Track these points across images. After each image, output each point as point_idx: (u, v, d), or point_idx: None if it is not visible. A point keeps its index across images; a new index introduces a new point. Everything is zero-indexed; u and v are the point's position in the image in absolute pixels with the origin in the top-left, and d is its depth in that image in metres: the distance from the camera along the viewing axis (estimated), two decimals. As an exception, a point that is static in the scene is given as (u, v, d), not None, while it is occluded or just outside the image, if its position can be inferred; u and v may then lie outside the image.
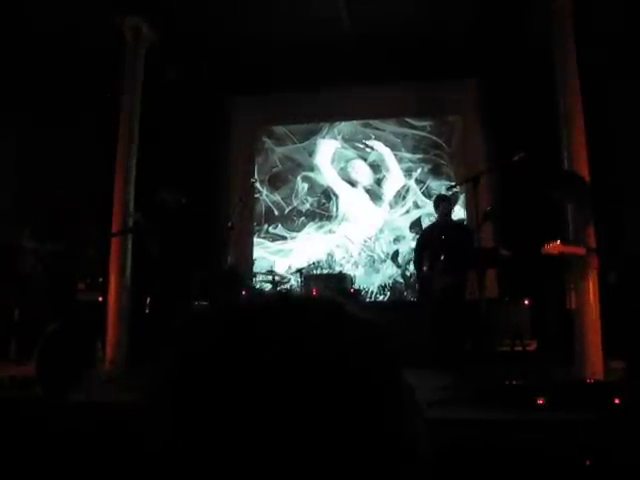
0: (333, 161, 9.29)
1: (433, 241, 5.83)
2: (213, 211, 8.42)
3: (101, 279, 6.92)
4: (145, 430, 0.49)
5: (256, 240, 9.28)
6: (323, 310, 0.52)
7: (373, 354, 0.50)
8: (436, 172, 8.93)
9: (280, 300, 0.54)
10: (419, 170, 8.99)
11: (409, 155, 9.06)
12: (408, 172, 9.02)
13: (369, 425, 0.46)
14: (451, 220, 6.22)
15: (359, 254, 8.94)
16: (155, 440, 0.48)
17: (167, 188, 6.21)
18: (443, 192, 8.46)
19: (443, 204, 6.05)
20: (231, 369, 0.46)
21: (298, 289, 7.63)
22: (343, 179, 9.20)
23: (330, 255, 9.00)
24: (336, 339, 0.49)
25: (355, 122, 9.32)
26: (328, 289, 7.27)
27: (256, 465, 0.43)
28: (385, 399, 0.48)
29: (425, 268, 5.84)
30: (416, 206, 8.92)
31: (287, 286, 7.95)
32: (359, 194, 9.12)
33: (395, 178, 9.04)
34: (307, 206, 9.24)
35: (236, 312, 0.53)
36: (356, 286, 8.37)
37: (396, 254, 8.81)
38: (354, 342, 0.49)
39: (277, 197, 9.36)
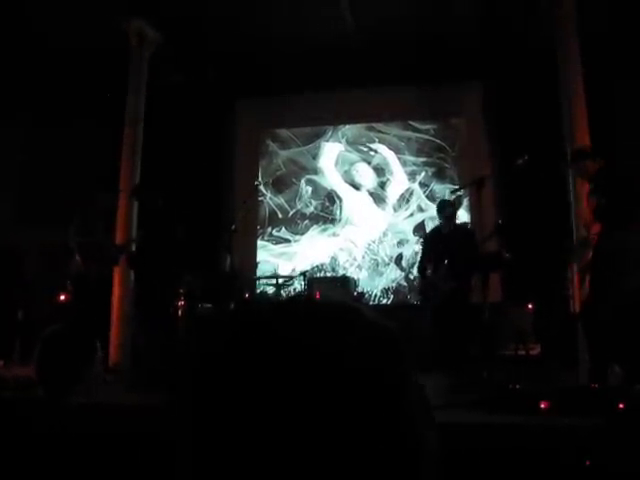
0: (337, 164, 9.29)
1: (437, 247, 5.80)
2: (216, 213, 8.44)
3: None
4: (164, 430, 0.51)
5: (259, 243, 9.29)
6: (339, 312, 0.53)
7: (386, 356, 0.51)
8: (440, 175, 8.93)
9: (296, 303, 0.55)
10: (423, 173, 8.98)
11: (413, 158, 9.06)
12: (412, 175, 9.02)
13: (378, 424, 0.46)
14: (455, 225, 6.18)
15: (363, 257, 8.94)
16: (174, 440, 0.49)
17: (144, 189, 6.24)
18: (447, 195, 8.51)
19: (446, 209, 6.01)
20: (248, 370, 0.47)
21: (302, 292, 7.63)
22: (347, 182, 9.20)
23: (334, 258, 9.00)
24: (350, 341, 0.49)
25: (359, 125, 9.33)
26: (331, 292, 7.26)
27: (267, 461, 0.44)
28: (394, 400, 0.48)
29: (429, 272, 5.82)
30: (420, 209, 8.91)
31: (291, 289, 7.95)
32: (363, 197, 9.12)
33: (399, 181, 9.04)
34: (311, 209, 9.25)
35: (252, 314, 0.54)
36: (360, 289, 8.37)
37: (400, 257, 8.80)
38: (367, 344, 0.50)
39: (281, 200, 9.37)
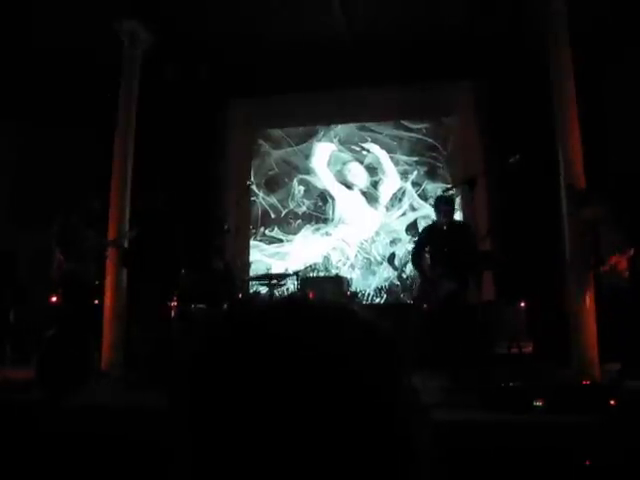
0: (329, 164, 9.29)
1: (434, 242, 5.72)
2: (209, 214, 8.42)
3: (97, 282, 6.91)
4: (161, 431, 0.51)
5: (252, 243, 9.27)
6: (334, 313, 0.53)
7: (380, 356, 0.51)
8: (432, 174, 8.94)
9: (290, 303, 0.55)
10: (415, 173, 9.00)
11: (405, 157, 9.07)
12: (404, 174, 9.03)
13: (371, 423, 0.46)
14: (453, 221, 6.03)
15: (355, 257, 8.95)
16: (171, 441, 0.49)
17: (149, 191, 6.23)
18: (440, 194, 8.50)
19: (445, 206, 5.87)
20: (244, 371, 0.47)
21: (296, 292, 7.61)
22: (339, 182, 9.21)
23: (326, 258, 9.00)
24: (345, 342, 0.50)
25: (351, 125, 9.33)
26: (325, 292, 7.26)
27: (264, 461, 0.44)
28: (388, 399, 0.48)
29: (427, 271, 5.73)
30: (412, 208, 8.93)
31: (284, 289, 7.94)
32: (355, 197, 9.13)
33: (391, 180, 9.05)
34: (303, 209, 9.24)
35: (247, 315, 0.54)
36: (353, 289, 8.37)
37: (392, 256, 8.81)
38: (361, 344, 0.50)
39: (273, 200, 9.36)
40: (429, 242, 5.80)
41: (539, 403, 3.47)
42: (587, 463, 2.47)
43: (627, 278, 5.13)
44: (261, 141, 9.57)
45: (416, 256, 5.93)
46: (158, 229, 5.57)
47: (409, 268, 8.59)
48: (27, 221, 7.83)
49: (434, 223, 6.07)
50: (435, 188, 8.80)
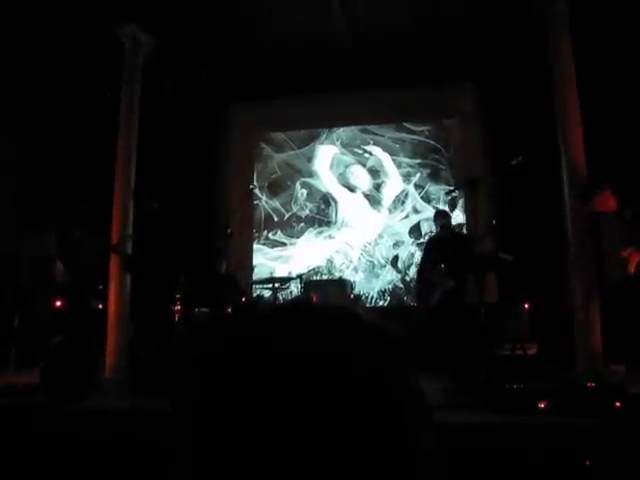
0: (332, 167, 9.30)
1: (437, 252, 5.80)
2: (212, 217, 8.43)
3: (101, 286, 6.93)
4: (164, 435, 0.51)
5: (255, 246, 9.28)
6: (338, 316, 0.53)
7: (385, 358, 0.51)
8: (435, 177, 8.94)
9: (295, 307, 0.55)
10: (418, 175, 8.99)
11: (408, 160, 9.07)
12: (407, 177, 9.03)
13: (376, 425, 0.46)
14: (453, 232, 6.18)
15: (359, 259, 8.94)
16: (174, 445, 0.49)
17: (143, 194, 6.23)
18: (442, 197, 8.54)
19: (442, 219, 6.03)
20: (248, 375, 0.47)
21: (299, 296, 7.60)
22: (342, 185, 9.21)
23: (330, 261, 9.00)
24: (350, 344, 0.50)
25: (353, 127, 9.34)
26: (328, 295, 7.25)
27: (268, 462, 0.44)
28: (393, 401, 0.48)
29: (426, 274, 5.80)
30: (415, 211, 8.92)
31: (287, 293, 7.93)
32: (358, 199, 9.13)
33: (394, 183, 9.05)
34: (306, 212, 9.25)
35: (252, 319, 0.54)
36: (356, 292, 8.36)
37: (396, 259, 8.81)
38: (366, 347, 0.50)
39: (276, 203, 9.37)
40: (433, 253, 5.86)
41: (543, 405, 3.46)
42: (587, 463, 2.46)
43: (632, 275, 5.11)
44: (263, 144, 9.58)
45: (421, 271, 6.01)
46: (156, 231, 5.55)
47: (412, 271, 8.59)
48: (29, 224, 7.85)
49: (437, 234, 6.18)
50: (438, 190, 8.81)
